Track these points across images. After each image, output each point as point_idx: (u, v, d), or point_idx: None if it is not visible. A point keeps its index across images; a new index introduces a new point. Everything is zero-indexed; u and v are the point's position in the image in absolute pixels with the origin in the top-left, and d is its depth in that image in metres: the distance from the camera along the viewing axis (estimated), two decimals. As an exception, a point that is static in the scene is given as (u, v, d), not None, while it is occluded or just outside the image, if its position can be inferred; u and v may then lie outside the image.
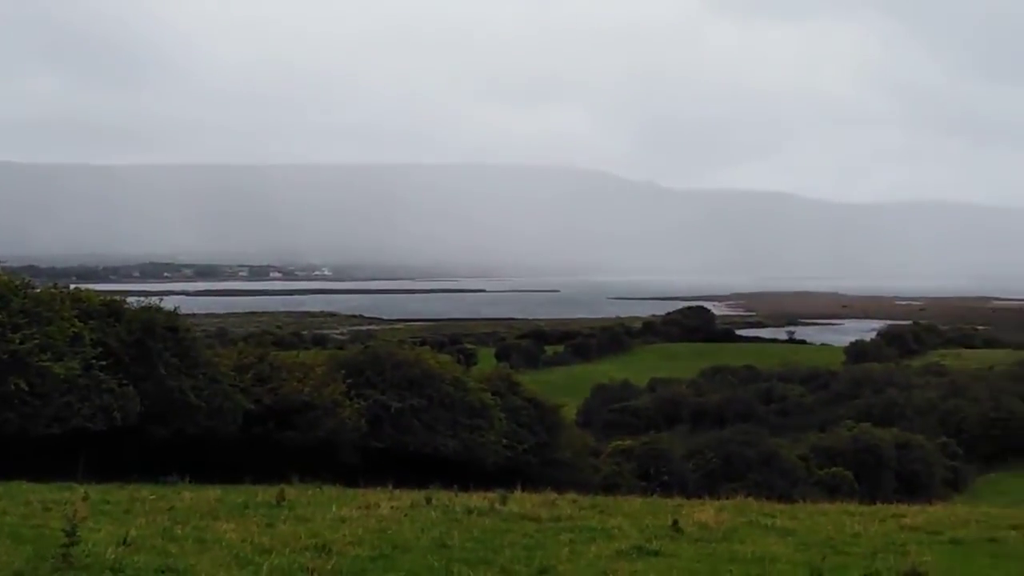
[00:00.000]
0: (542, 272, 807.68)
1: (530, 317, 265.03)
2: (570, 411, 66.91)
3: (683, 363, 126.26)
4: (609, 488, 37.76)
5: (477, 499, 23.28)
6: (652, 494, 32.47)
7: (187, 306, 50.26)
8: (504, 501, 22.83)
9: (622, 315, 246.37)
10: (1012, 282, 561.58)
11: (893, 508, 25.50)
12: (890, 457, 57.36)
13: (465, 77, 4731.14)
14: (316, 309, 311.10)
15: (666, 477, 45.01)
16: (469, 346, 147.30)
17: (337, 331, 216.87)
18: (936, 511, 25.19)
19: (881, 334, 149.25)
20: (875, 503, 27.61)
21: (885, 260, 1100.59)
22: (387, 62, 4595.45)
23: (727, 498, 27.64)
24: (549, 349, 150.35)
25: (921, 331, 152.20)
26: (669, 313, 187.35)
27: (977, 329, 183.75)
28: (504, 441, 39.26)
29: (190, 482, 25.98)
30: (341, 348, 69.43)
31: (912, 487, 54.20)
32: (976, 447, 71.68)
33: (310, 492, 24.13)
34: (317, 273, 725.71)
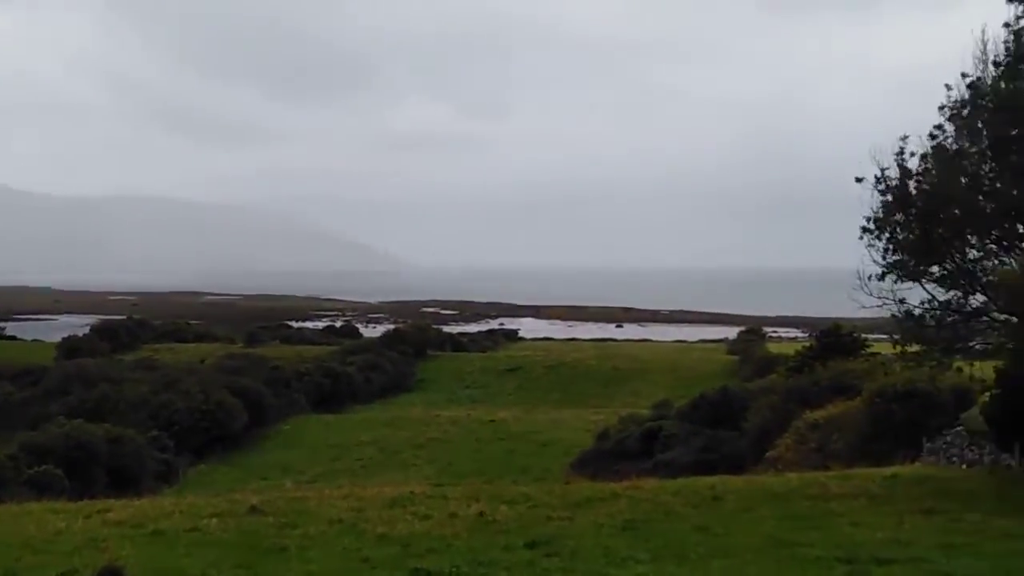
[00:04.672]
0: None
1: None
2: None
3: None
4: None
5: None
6: None
7: None
8: None
9: None
10: (225, 278, 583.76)
11: (101, 503, 25.26)
12: (102, 452, 56.95)
13: None
14: None
15: None
16: None
17: None
18: (143, 504, 25.28)
19: (95, 329, 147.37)
20: (85, 499, 27.20)
21: (103, 255, 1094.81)
22: None
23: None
24: None
25: (134, 326, 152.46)
26: None
27: (190, 323, 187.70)
28: None
29: None
30: None
31: (124, 482, 54.03)
32: (187, 439, 73.23)
33: None
34: None
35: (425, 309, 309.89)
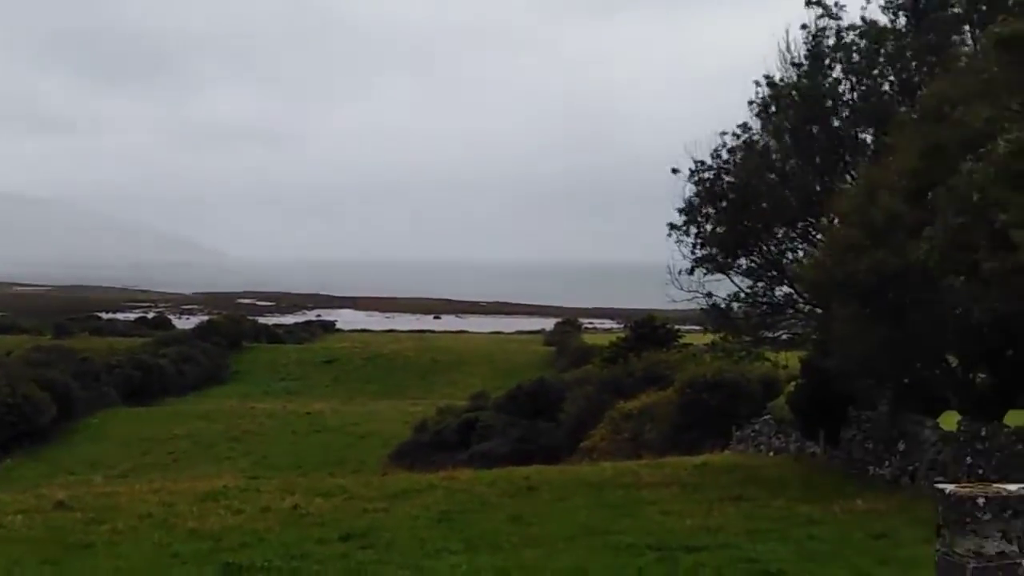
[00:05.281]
0: None
1: None
2: None
3: None
4: None
5: None
6: None
7: None
8: None
9: None
10: (37, 268, 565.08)
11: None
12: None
13: None
14: None
15: None
16: None
17: None
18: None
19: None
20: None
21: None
22: None
23: None
24: None
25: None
26: None
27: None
28: None
29: None
30: None
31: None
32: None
33: None
34: None
35: (241, 300, 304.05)
